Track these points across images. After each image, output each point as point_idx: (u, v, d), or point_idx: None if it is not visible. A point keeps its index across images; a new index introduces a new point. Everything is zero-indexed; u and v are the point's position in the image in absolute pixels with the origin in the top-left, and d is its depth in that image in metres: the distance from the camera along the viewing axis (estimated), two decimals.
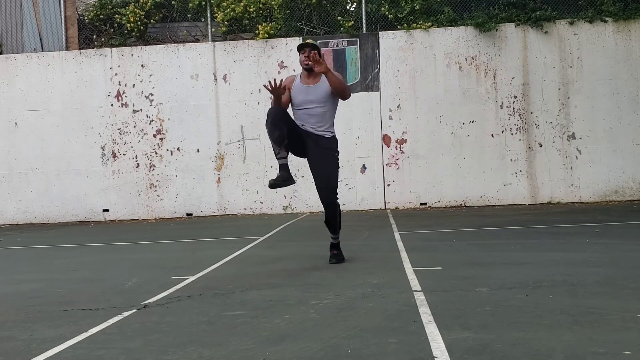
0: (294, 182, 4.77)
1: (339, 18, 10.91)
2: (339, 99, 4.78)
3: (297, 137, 4.62)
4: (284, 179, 4.62)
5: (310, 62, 4.57)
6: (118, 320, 3.22)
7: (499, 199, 10.43)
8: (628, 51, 10.31)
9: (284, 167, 4.61)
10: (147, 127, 10.92)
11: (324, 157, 4.67)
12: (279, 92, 4.46)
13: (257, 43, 10.77)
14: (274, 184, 4.61)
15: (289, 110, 4.73)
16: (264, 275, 4.50)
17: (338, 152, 4.79)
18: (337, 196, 4.72)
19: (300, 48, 4.66)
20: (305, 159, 4.85)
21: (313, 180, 4.77)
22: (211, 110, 10.85)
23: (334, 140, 4.75)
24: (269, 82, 4.45)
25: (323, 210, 4.80)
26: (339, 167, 4.79)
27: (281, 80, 4.58)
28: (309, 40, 4.70)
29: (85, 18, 11.66)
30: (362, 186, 10.55)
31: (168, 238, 7.63)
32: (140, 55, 10.95)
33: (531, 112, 10.42)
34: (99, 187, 10.97)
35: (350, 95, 4.85)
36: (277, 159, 4.63)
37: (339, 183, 4.83)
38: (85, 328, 3.07)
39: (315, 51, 4.58)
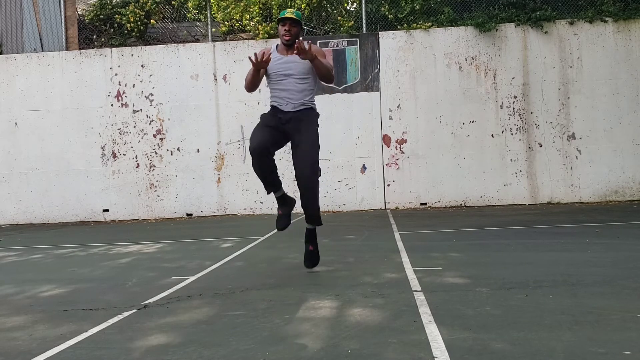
0: (295, 202, 4.56)
1: (339, 18, 10.92)
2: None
3: (281, 140, 4.37)
4: (287, 215, 4.45)
5: (290, 38, 4.26)
6: (118, 320, 3.22)
7: (499, 199, 10.43)
8: (628, 51, 10.31)
9: (281, 200, 4.44)
10: (147, 127, 10.92)
11: (305, 129, 4.28)
12: (262, 66, 4.22)
13: (257, 43, 10.77)
14: (282, 228, 4.44)
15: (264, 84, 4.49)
16: (264, 275, 4.50)
17: (318, 125, 4.40)
18: (318, 175, 4.32)
19: (281, 20, 4.33)
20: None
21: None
22: (211, 110, 10.85)
23: (314, 114, 4.39)
24: (255, 54, 4.19)
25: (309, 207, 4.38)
26: (319, 140, 4.33)
27: (263, 52, 4.28)
28: (289, 13, 4.33)
29: (85, 18, 11.66)
30: (362, 186, 10.54)
31: (168, 238, 7.62)
32: (140, 55, 10.95)
33: (531, 112, 10.42)
34: (99, 187, 10.97)
35: (334, 79, 4.49)
36: (274, 194, 4.43)
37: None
38: (85, 328, 3.07)
39: (300, 41, 4.13)
